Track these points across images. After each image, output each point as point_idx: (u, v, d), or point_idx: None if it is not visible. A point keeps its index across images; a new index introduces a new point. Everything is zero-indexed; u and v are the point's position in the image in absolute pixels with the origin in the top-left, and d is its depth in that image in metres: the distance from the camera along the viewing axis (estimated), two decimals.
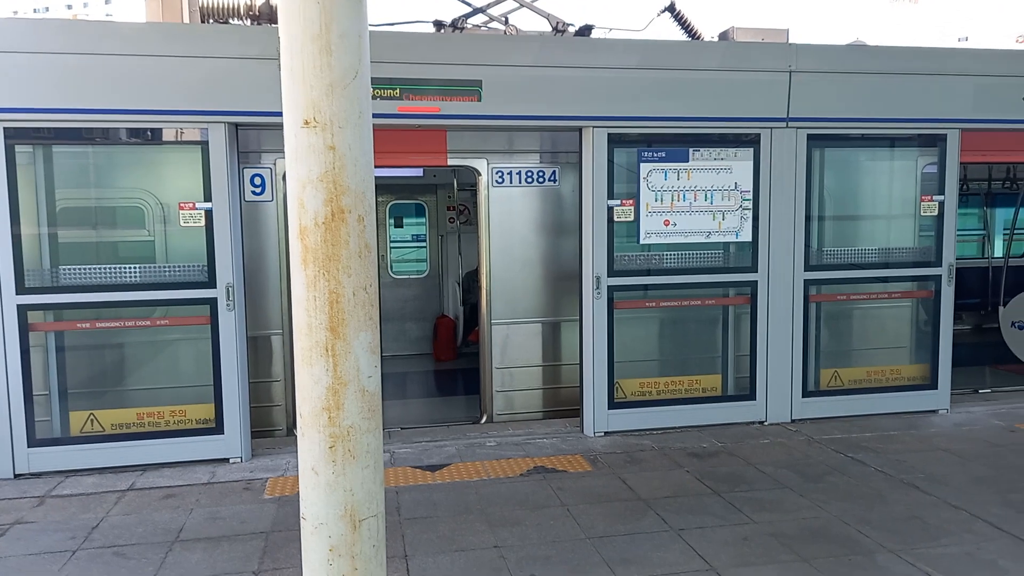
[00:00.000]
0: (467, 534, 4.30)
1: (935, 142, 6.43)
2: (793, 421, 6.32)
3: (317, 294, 2.83)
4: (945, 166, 6.43)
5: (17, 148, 5.17)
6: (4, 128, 5.10)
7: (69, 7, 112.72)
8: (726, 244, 6.21)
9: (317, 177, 2.79)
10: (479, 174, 6.40)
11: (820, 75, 6.10)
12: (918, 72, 6.24)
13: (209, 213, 5.42)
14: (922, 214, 6.52)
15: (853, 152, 6.60)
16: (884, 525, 4.35)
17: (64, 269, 5.41)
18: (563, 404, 6.63)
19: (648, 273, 6.18)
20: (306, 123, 2.77)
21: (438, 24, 6.99)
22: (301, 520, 2.88)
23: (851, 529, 4.31)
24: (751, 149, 6.12)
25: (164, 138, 5.50)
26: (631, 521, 4.45)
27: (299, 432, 2.98)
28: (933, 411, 6.54)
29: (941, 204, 6.46)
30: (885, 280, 6.64)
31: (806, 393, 6.36)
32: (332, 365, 2.85)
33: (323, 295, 2.83)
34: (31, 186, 5.33)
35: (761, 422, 6.29)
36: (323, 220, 2.80)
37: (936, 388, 6.55)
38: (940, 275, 6.50)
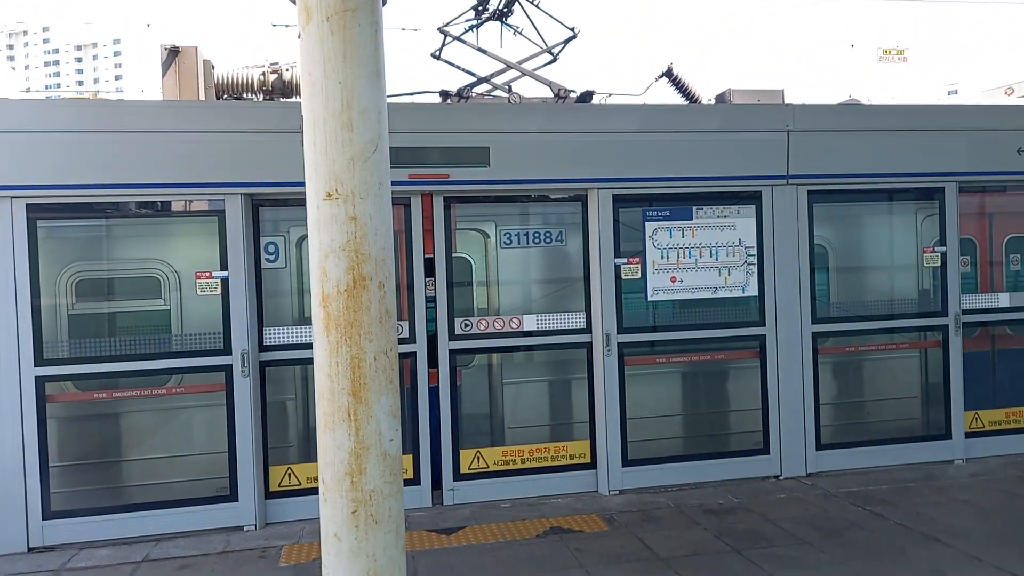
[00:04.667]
0: None
1: (934, 195, 6.57)
2: (808, 475, 6.28)
3: (339, 360, 2.90)
4: (946, 218, 6.54)
5: (39, 223, 5.32)
6: (27, 204, 5.25)
7: (80, 83, 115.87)
8: (733, 299, 6.28)
9: (339, 247, 2.90)
10: (487, 236, 6.52)
11: (817, 133, 6.28)
12: (914, 128, 6.41)
13: (225, 281, 5.53)
14: (924, 265, 6.62)
15: (856, 207, 6.72)
16: None
17: (81, 340, 5.49)
18: None
19: (656, 329, 6.24)
20: (328, 195, 2.89)
21: (444, 94, 7.22)
22: None
23: None
24: (753, 206, 6.26)
25: (182, 210, 5.66)
26: None
27: (321, 498, 3.01)
28: (949, 461, 6.50)
29: (943, 255, 6.55)
30: (893, 331, 6.68)
31: (820, 446, 6.35)
32: (354, 430, 2.91)
33: (345, 361, 2.90)
34: (51, 259, 5.45)
35: (776, 476, 6.26)
36: (345, 288, 2.90)
37: (951, 438, 6.53)
38: (947, 325, 6.55)
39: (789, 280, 6.29)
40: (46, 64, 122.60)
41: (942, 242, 6.58)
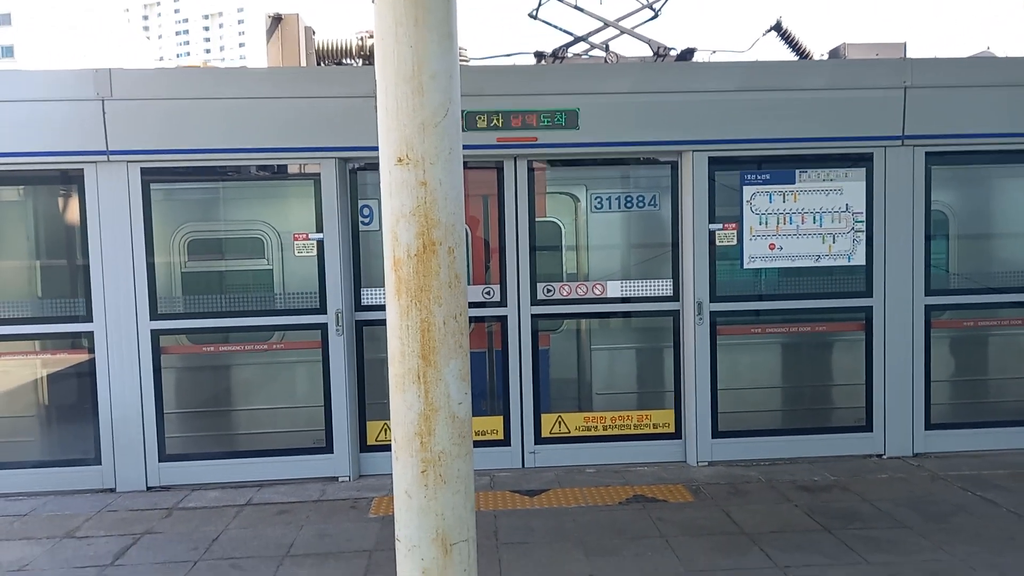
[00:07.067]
0: (563, 562, 4.29)
1: None
2: (915, 455, 5.93)
3: (410, 323, 2.94)
4: None
5: (152, 186, 5.66)
6: (141, 168, 5.59)
7: (207, 51, 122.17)
8: (837, 268, 5.94)
9: (410, 211, 2.91)
10: (577, 200, 6.43)
11: (938, 90, 5.78)
12: None
13: (320, 243, 5.72)
14: None
15: (982, 169, 6.20)
16: (1016, 571, 4.00)
17: (192, 297, 5.84)
18: None
19: (752, 299, 6.00)
20: (399, 160, 2.91)
21: (539, 55, 7.11)
22: (396, 541, 2.98)
23: (978, 575, 3.99)
24: (863, 169, 5.86)
25: (281, 173, 5.89)
26: (734, 556, 4.30)
27: (393, 456, 3.09)
28: None
29: None
30: (1021, 305, 6.14)
31: (929, 425, 5.97)
32: (424, 392, 2.94)
33: (415, 324, 2.93)
34: (166, 220, 5.81)
35: (879, 455, 5.95)
36: (415, 252, 2.91)
37: None
38: None
39: (901, 249, 5.88)
40: (176, 34, 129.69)
41: None
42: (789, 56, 7.67)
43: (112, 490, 5.67)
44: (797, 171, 5.85)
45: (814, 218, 5.87)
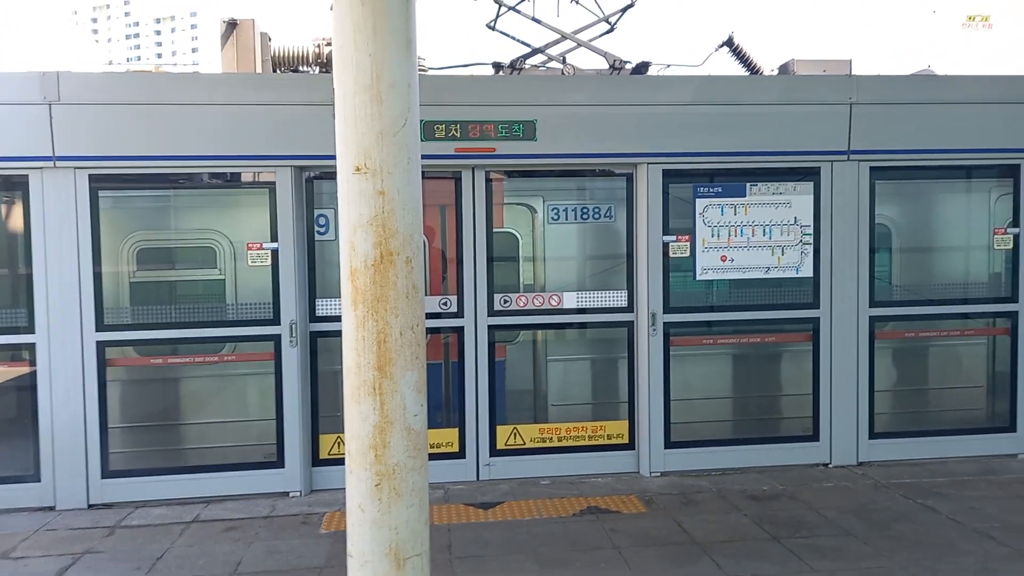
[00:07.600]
0: (517, 574, 4.28)
1: (1008, 173, 6.21)
2: (860, 464, 6.09)
3: (366, 334, 2.91)
4: (1020, 197, 6.18)
5: (100, 193, 5.51)
6: (89, 175, 5.44)
7: (159, 55, 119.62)
8: (786, 280, 6.09)
9: (367, 221, 2.89)
10: (534, 211, 6.46)
11: (883, 106, 5.98)
12: (987, 101, 6.05)
13: (275, 253, 5.64)
14: (995, 247, 6.28)
15: (923, 184, 6.42)
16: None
17: (139, 308, 5.69)
18: None
19: (705, 310, 6.11)
20: (357, 169, 2.89)
21: (496, 66, 7.15)
22: (348, 557, 2.93)
23: None
24: (811, 183, 6.03)
25: (235, 181, 5.78)
26: (684, 565, 4.35)
27: (347, 469, 3.05)
28: (1012, 455, 6.20)
29: (1016, 237, 6.20)
30: (957, 317, 6.37)
31: (873, 435, 6.13)
32: (379, 404, 2.91)
33: (371, 335, 2.91)
34: (113, 228, 5.65)
35: (825, 464, 6.09)
36: (372, 262, 2.89)
37: (1015, 431, 6.23)
38: (1017, 311, 6.22)
39: (847, 261, 6.05)
40: (127, 37, 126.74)
41: (1015, 223, 6.23)
42: (740, 71, 7.86)
43: (52, 508, 5.46)
44: (748, 184, 5.99)
45: (764, 231, 6.01)
